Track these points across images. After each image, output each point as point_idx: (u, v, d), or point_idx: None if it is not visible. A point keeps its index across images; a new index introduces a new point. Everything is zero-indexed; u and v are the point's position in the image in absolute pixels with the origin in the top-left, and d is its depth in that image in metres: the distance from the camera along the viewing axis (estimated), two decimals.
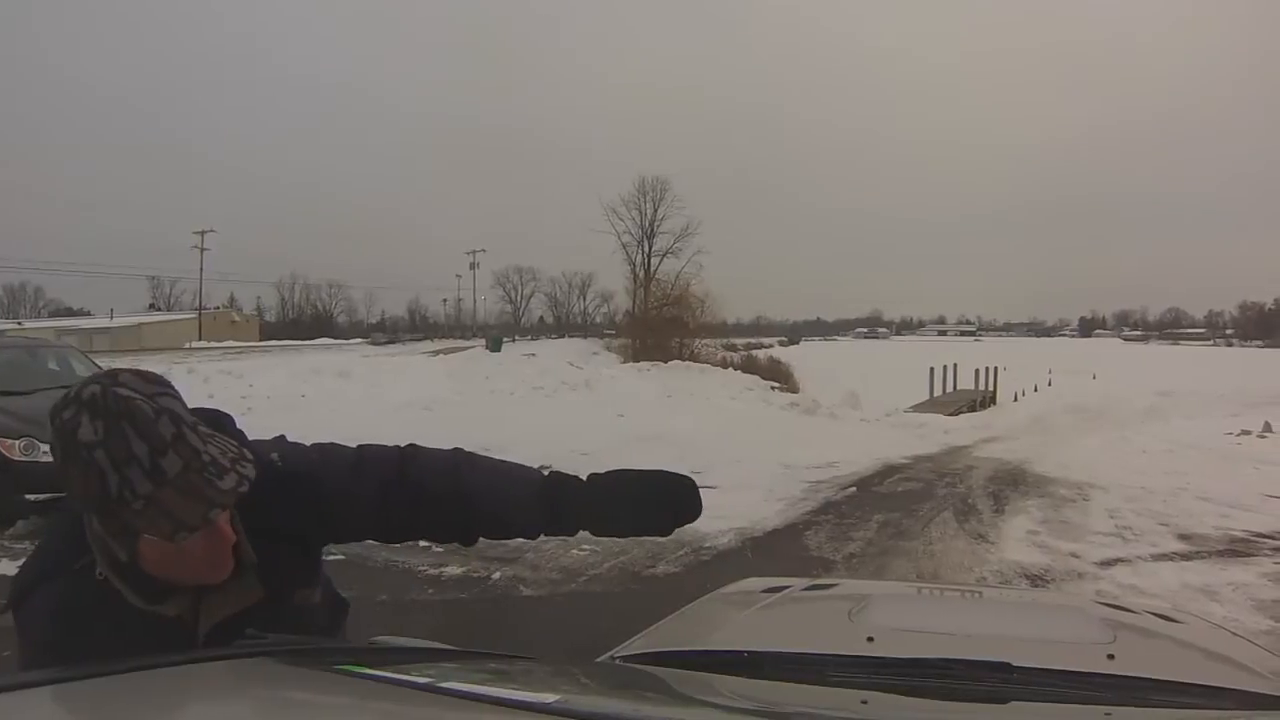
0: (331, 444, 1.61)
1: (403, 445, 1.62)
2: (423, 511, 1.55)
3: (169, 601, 1.33)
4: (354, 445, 1.61)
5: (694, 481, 1.58)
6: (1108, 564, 6.80)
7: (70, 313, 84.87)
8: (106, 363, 11.51)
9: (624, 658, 1.71)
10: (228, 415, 1.47)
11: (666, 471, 1.58)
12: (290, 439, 1.58)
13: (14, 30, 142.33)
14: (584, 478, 1.57)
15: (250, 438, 1.47)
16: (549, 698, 1.04)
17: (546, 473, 1.61)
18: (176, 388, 1.40)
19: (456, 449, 1.64)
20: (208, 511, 1.23)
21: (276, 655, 1.18)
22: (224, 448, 1.30)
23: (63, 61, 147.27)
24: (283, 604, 1.46)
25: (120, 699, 1.01)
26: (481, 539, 1.62)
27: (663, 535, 1.59)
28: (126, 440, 1.19)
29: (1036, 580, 6.44)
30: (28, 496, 7.60)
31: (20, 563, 4.89)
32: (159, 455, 1.20)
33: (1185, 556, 7.03)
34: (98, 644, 1.24)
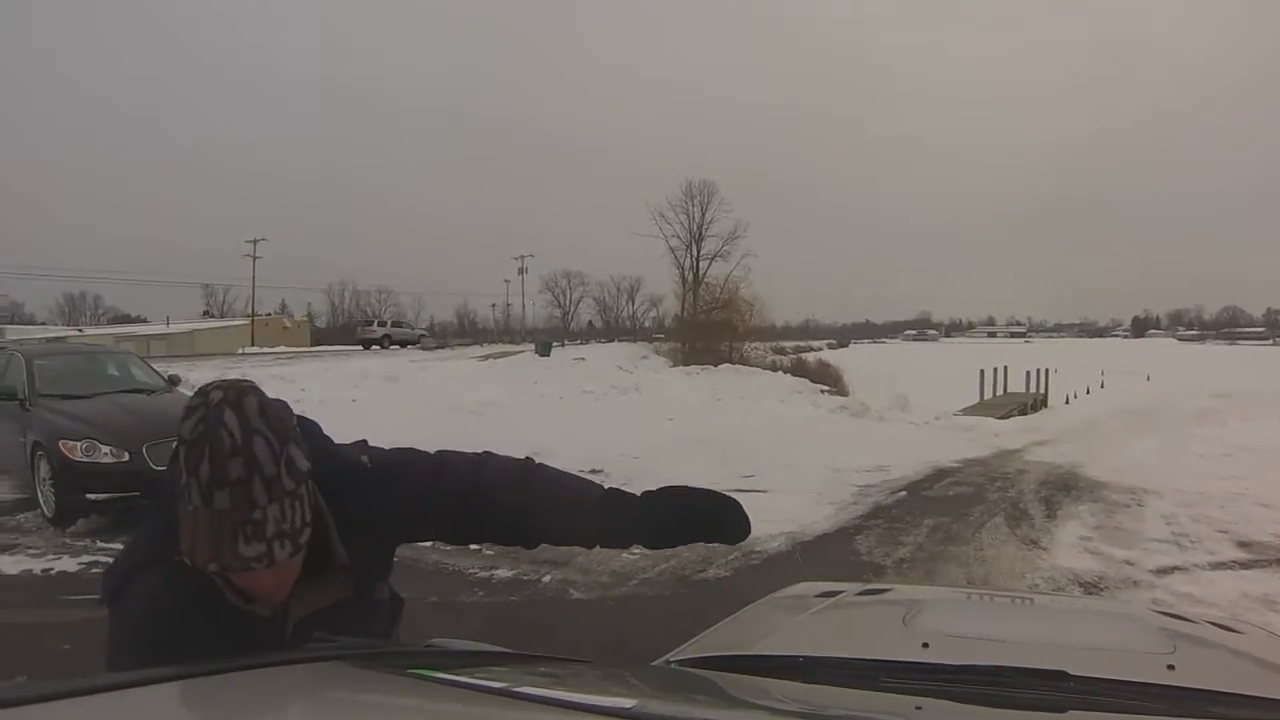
0: (414, 449, 1.69)
1: (479, 452, 1.72)
2: (493, 515, 1.62)
3: (258, 602, 1.39)
4: (433, 451, 1.70)
5: (740, 505, 1.63)
6: (1163, 572, 6.66)
7: (128, 320, 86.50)
8: (163, 367, 11.76)
9: (679, 662, 1.72)
10: (314, 423, 1.54)
11: (716, 492, 1.63)
12: (339, 441, 1.63)
13: (75, 52, 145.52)
14: (639, 494, 1.62)
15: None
16: (626, 702, 1.05)
17: (606, 487, 1.66)
18: (315, 429, 1.51)
19: (527, 458, 1.72)
20: (210, 563, 1.28)
21: (349, 658, 1.21)
22: (291, 515, 1.34)
23: (116, 84, 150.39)
24: (365, 598, 1.54)
25: (193, 703, 1.05)
26: (542, 543, 1.71)
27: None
28: (202, 455, 1.28)
29: (1090, 588, 6.32)
30: (88, 496, 7.81)
31: (81, 560, 5.01)
32: (216, 486, 1.27)
33: (1244, 565, 6.87)
34: (192, 634, 1.30)
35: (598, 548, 1.69)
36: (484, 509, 1.62)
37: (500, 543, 1.77)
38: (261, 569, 1.30)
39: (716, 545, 6.29)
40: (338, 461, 1.52)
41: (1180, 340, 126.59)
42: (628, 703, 1.05)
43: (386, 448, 1.69)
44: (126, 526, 7.52)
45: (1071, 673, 1.41)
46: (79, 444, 7.92)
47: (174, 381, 10.39)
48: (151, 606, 1.39)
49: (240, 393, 1.34)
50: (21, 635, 5.32)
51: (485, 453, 1.73)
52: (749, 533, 1.63)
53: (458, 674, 1.14)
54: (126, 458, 7.90)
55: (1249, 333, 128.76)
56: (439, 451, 1.70)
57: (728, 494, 1.64)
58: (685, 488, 1.63)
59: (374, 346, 46.53)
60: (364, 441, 1.67)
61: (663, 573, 6.53)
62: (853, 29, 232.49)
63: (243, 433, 1.29)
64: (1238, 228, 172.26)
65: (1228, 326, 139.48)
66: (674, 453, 11.58)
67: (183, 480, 1.28)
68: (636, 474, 10.20)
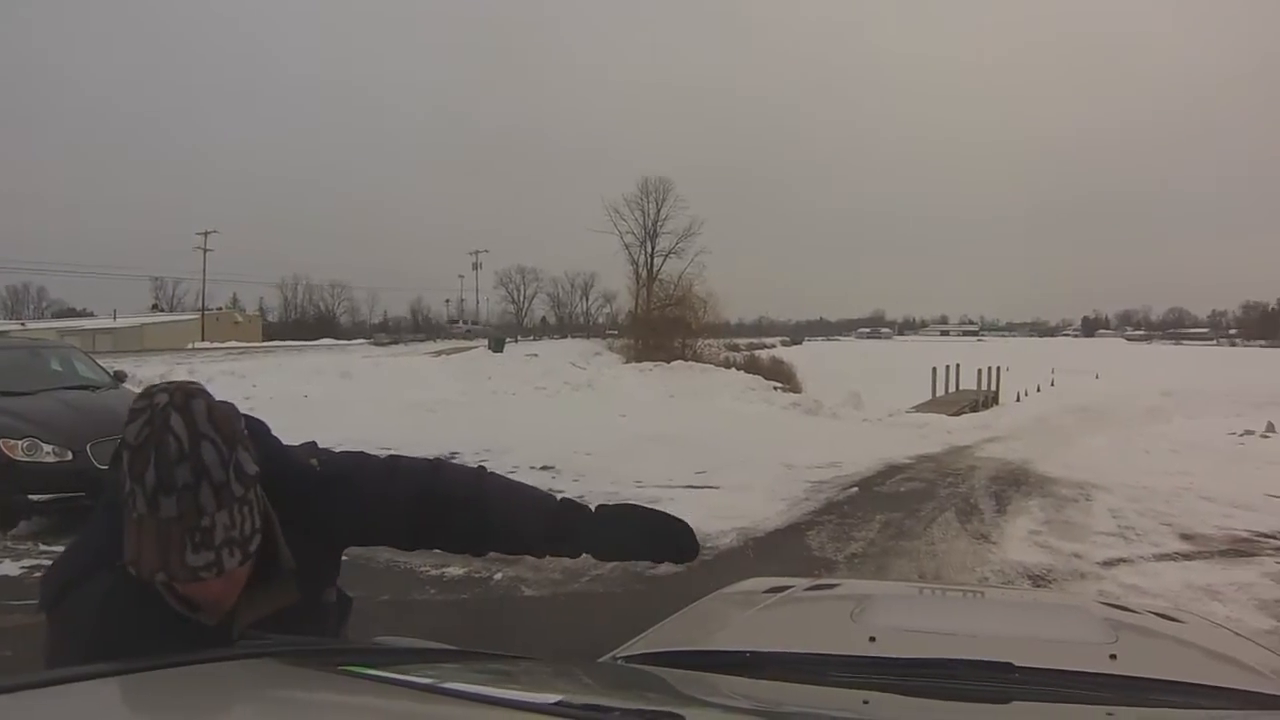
0: (365, 452, 1.69)
1: (431, 458, 1.72)
2: (445, 521, 1.63)
3: (204, 611, 1.35)
4: (385, 455, 1.70)
5: (690, 528, 1.67)
6: (1110, 564, 6.79)
7: (73, 313, 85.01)
8: (109, 363, 11.54)
9: (626, 658, 1.71)
10: (262, 423, 1.51)
11: (667, 514, 1.68)
12: (286, 440, 1.60)
13: (14, 32, 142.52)
14: (593, 508, 1.65)
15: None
16: (551, 697, 1.04)
17: (560, 498, 1.67)
18: (264, 431, 1.49)
19: (480, 467, 1.75)
20: (158, 572, 1.25)
21: (280, 656, 1.19)
22: (240, 522, 1.31)
23: (64, 63, 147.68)
24: (312, 603, 1.51)
25: (122, 700, 1.02)
26: (492, 552, 1.72)
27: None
28: (147, 460, 1.24)
29: (1039, 580, 6.43)
30: (30, 497, 7.61)
31: (23, 564, 4.88)
32: (162, 493, 1.24)
33: (1188, 556, 7.02)
34: (135, 644, 1.25)
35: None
36: (435, 516, 1.61)
37: (449, 550, 1.77)
38: (210, 578, 1.27)
39: None
40: (286, 464, 1.49)
41: (1129, 340, 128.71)
42: (552, 697, 1.04)
43: (336, 450, 1.68)
44: (70, 528, 7.33)
45: (1016, 664, 1.43)
46: (20, 442, 7.71)
47: (120, 378, 10.19)
48: (93, 616, 1.35)
49: (187, 395, 1.30)
50: None
51: (437, 459, 1.72)
52: (696, 555, 1.67)
53: (389, 670, 1.12)
54: (70, 457, 7.71)
55: (1194, 333, 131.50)
56: (391, 456, 1.69)
57: (678, 517, 1.67)
58: (639, 506, 1.68)
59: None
60: (313, 443, 1.65)
61: (615, 569, 6.50)
62: (814, 24, 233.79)
63: (190, 437, 1.26)
64: (1184, 232, 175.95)
65: (1174, 327, 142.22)
66: (627, 450, 11.60)
67: (127, 487, 1.25)
68: (589, 471, 10.23)
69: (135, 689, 1.02)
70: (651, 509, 1.67)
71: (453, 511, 1.61)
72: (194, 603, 1.33)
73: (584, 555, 1.63)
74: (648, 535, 1.63)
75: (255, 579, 1.38)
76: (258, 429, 1.47)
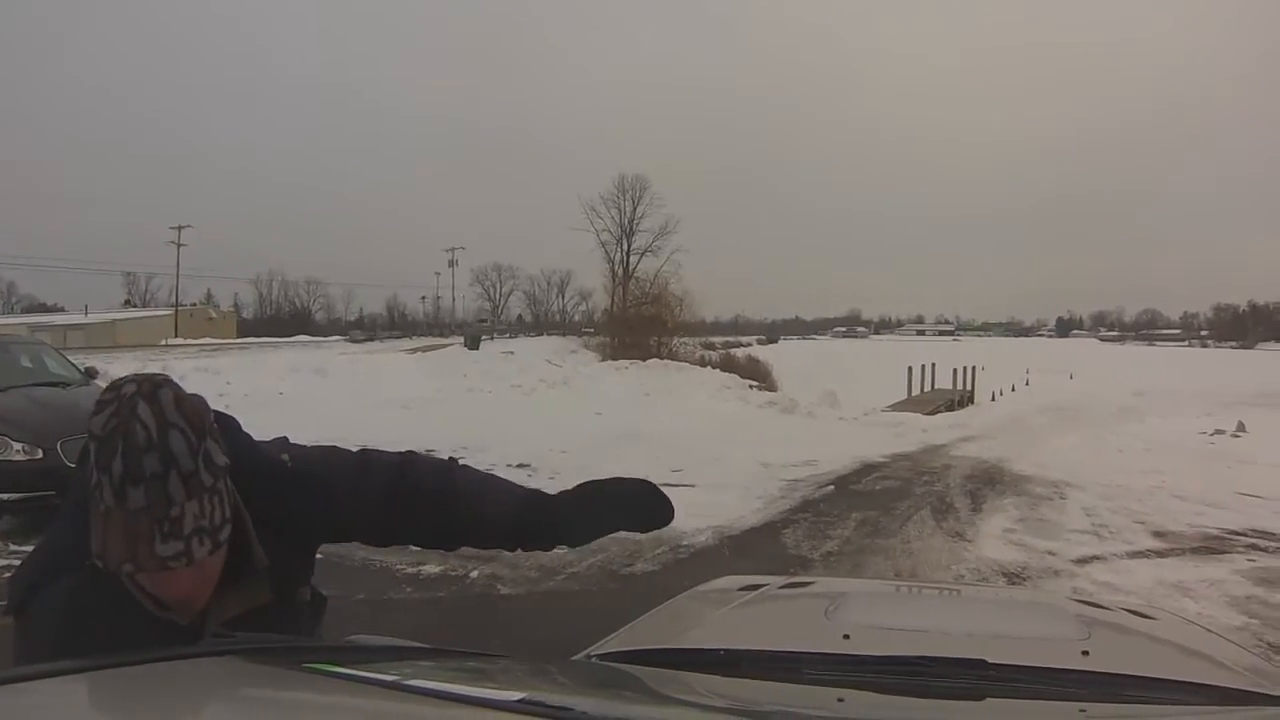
0: (336, 447, 1.67)
1: (402, 452, 1.69)
2: (416, 516, 1.59)
3: (175, 610, 1.33)
4: (356, 449, 1.67)
5: (655, 486, 1.62)
6: (1084, 561, 6.85)
7: (44, 309, 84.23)
8: (81, 360, 11.43)
9: (600, 656, 1.70)
10: (233, 419, 1.48)
11: (629, 479, 1.63)
12: (264, 438, 1.59)
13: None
14: (557, 493, 1.62)
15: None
16: (515, 695, 1.03)
17: (526, 489, 1.65)
18: (234, 427, 1.46)
19: (451, 459, 1.70)
20: (125, 563, 1.23)
21: (244, 654, 1.17)
22: (210, 511, 1.29)
23: (38, 54, 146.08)
24: (286, 602, 1.49)
25: (84, 697, 1.01)
26: (465, 546, 1.69)
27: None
28: (115, 450, 1.22)
29: (1013, 578, 6.48)
30: None
31: (0, 565, 4.81)
32: (130, 483, 1.21)
33: (1160, 554, 7.11)
34: (104, 643, 1.20)
35: (519, 551, 1.67)
36: (407, 510, 1.58)
37: (422, 545, 1.75)
38: (180, 568, 1.25)
39: (641, 538, 6.26)
40: (257, 460, 1.46)
41: (1102, 340, 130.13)
42: (516, 695, 1.03)
43: (308, 445, 1.65)
44: (40, 528, 7.23)
45: (990, 661, 1.43)
46: None
47: (91, 374, 10.08)
48: (61, 618, 1.32)
49: (155, 386, 1.28)
50: None
51: (409, 452, 1.69)
52: (672, 515, 1.62)
53: (355, 668, 1.11)
54: (39, 455, 7.60)
55: (1166, 334, 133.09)
56: (361, 450, 1.67)
57: (640, 478, 1.63)
58: (601, 482, 1.62)
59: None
60: (284, 439, 1.62)
61: (590, 567, 6.51)
62: (782, 24, 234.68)
63: (158, 426, 1.24)
64: (1157, 234, 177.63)
65: (1147, 328, 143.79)
66: (603, 448, 11.60)
67: (94, 479, 1.23)
68: (564, 469, 10.20)
69: (97, 686, 1.01)
70: (615, 479, 1.63)
71: (424, 505, 1.58)
72: (164, 601, 1.30)
73: (559, 548, 1.61)
74: (618, 509, 1.60)
75: (227, 577, 1.36)
76: (228, 425, 1.44)
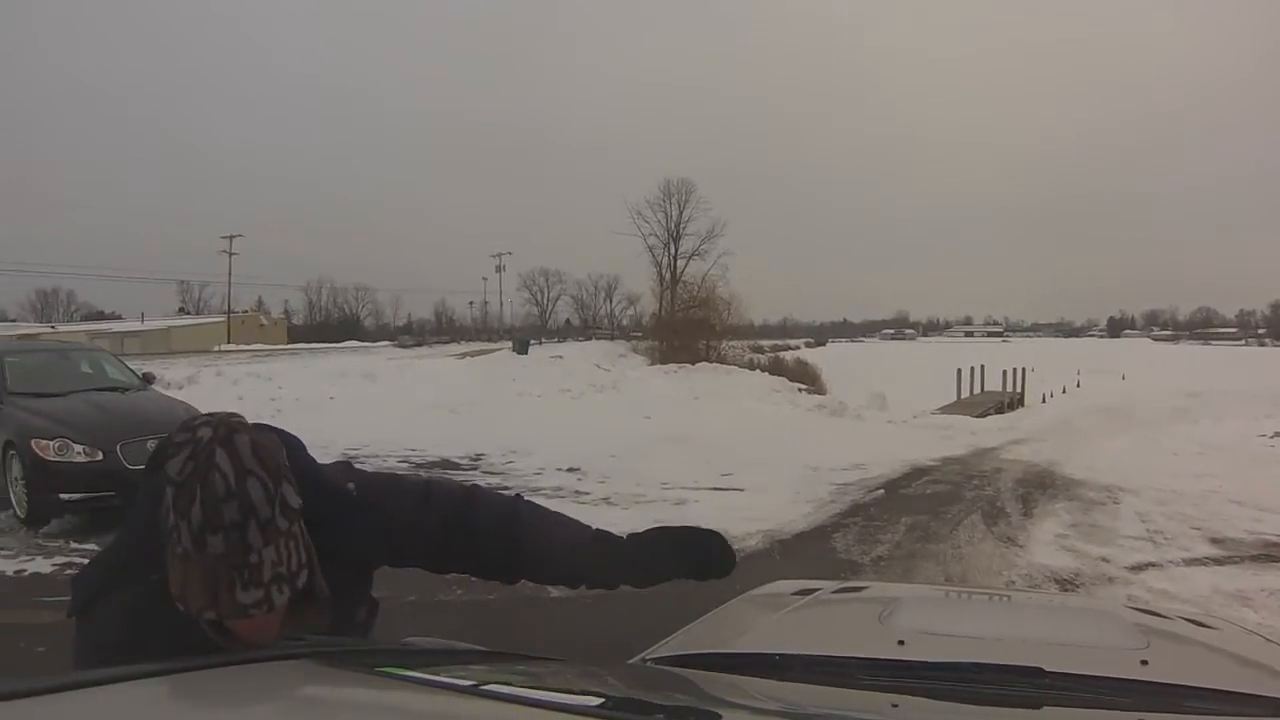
0: (401, 475, 1.70)
1: (468, 485, 1.70)
2: (477, 550, 1.62)
3: (239, 641, 1.34)
4: (422, 479, 1.69)
5: (723, 537, 1.65)
6: (1138, 568, 6.72)
7: (101, 316, 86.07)
8: (138, 365, 11.67)
9: (654, 660, 1.71)
10: (299, 442, 1.50)
11: (699, 530, 1.65)
12: (315, 442, 1.60)
13: (43, 45, 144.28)
14: (626, 536, 1.63)
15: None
16: (594, 700, 1.04)
17: (594, 530, 1.66)
18: (300, 451, 1.47)
19: (517, 495, 1.72)
20: (207, 610, 1.25)
21: (317, 657, 1.20)
22: (287, 557, 1.31)
23: (93, 75, 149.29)
24: (342, 625, 1.51)
25: (161, 700, 1.03)
26: (524, 580, 1.71)
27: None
28: (193, 497, 1.24)
29: (1066, 585, 6.37)
30: (61, 496, 7.72)
31: (54, 561, 4.94)
32: (209, 531, 1.23)
33: (1218, 561, 6.94)
34: (162, 654, 1.22)
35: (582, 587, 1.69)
36: (467, 545, 1.60)
37: (481, 576, 1.75)
38: (260, 615, 1.27)
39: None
40: (321, 487, 1.48)
41: (1155, 340, 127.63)
42: (595, 700, 1.04)
43: (372, 471, 1.68)
44: (100, 527, 7.46)
45: (1047, 669, 1.42)
46: (52, 443, 7.82)
47: (148, 379, 10.33)
48: (120, 630, 1.36)
49: (230, 430, 1.30)
50: None
51: (473, 486, 1.72)
52: (734, 567, 1.64)
53: (428, 672, 1.13)
54: (100, 457, 7.82)
55: (1222, 333, 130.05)
56: (426, 481, 1.69)
57: (709, 530, 1.64)
58: (669, 527, 1.65)
59: None
60: (348, 464, 1.64)
61: None
62: (835, 26, 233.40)
63: (236, 475, 1.26)
64: (1212, 230, 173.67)
65: (1201, 327, 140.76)
66: (652, 451, 11.59)
67: (171, 521, 1.25)
68: (614, 472, 10.24)
69: (174, 689, 1.04)
70: (683, 527, 1.65)
71: (485, 542, 1.60)
72: (231, 635, 1.31)
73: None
74: (683, 556, 1.61)
75: (289, 605, 1.37)
76: (294, 447, 1.46)
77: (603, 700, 1.04)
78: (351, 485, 1.55)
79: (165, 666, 1.05)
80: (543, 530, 1.64)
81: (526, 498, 1.71)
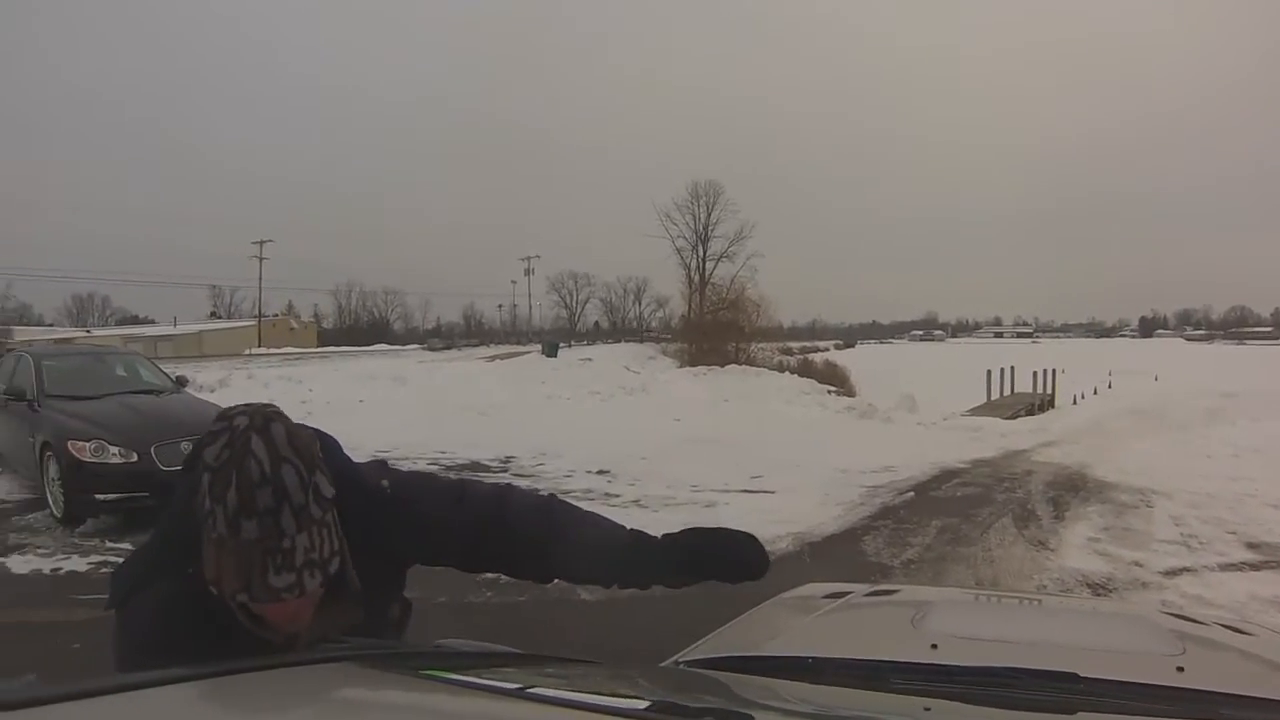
0: (435, 475, 1.71)
1: (501, 485, 1.71)
2: (512, 549, 1.62)
3: (271, 629, 1.37)
4: (455, 479, 1.70)
5: (756, 539, 1.63)
6: (1172, 573, 6.63)
7: (135, 321, 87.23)
8: (171, 369, 11.82)
9: (687, 662, 1.72)
10: (334, 441, 1.52)
11: (733, 531, 1.63)
12: (345, 444, 1.61)
13: (79, 55, 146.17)
14: (660, 537, 1.62)
15: None
16: (640, 703, 1.05)
17: (629, 530, 1.65)
18: (335, 449, 1.50)
19: (550, 495, 1.72)
20: (240, 593, 1.28)
21: (359, 660, 1.22)
22: (319, 543, 1.33)
23: (124, 83, 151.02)
24: (376, 622, 1.53)
25: (206, 703, 1.05)
26: (558, 579, 1.72)
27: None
28: (229, 483, 1.27)
29: (1098, 589, 6.30)
30: (97, 496, 7.85)
31: (90, 560, 5.02)
32: (244, 515, 1.26)
33: (1254, 566, 6.84)
34: (202, 650, 1.25)
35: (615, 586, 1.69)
36: (500, 545, 1.61)
37: (515, 575, 1.76)
38: (292, 599, 1.30)
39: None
40: (356, 484, 1.50)
41: (1188, 340, 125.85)
42: (641, 703, 1.05)
43: (407, 471, 1.70)
44: (135, 527, 7.58)
45: (1081, 674, 1.41)
46: (88, 444, 7.96)
47: (182, 382, 10.48)
48: (158, 623, 1.38)
49: (267, 419, 1.33)
50: (31, 634, 5.35)
51: (507, 486, 1.72)
52: (767, 568, 1.62)
53: (470, 675, 1.14)
54: (135, 458, 7.95)
55: (1257, 332, 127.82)
56: (460, 480, 1.70)
57: (745, 531, 1.63)
58: (704, 529, 1.64)
59: None
60: (383, 463, 1.66)
61: None
62: (859, 28, 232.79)
63: (271, 461, 1.29)
64: (1246, 226, 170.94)
65: (1236, 326, 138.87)
66: (681, 453, 11.60)
67: (206, 506, 1.28)
68: (644, 475, 10.24)
69: (217, 692, 1.05)
70: (717, 529, 1.63)
71: (519, 541, 1.61)
72: (264, 621, 1.35)
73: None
74: (718, 558, 1.60)
75: (322, 599, 1.40)
76: (330, 447, 1.49)
77: (648, 704, 1.05)
78: (386, 482, 1.57)
79: (208, 670, 1.06)
80: (577, 530, 1.64)
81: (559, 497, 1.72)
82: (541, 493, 1.76)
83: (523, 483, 10.01)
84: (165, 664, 1.17)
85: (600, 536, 1.64)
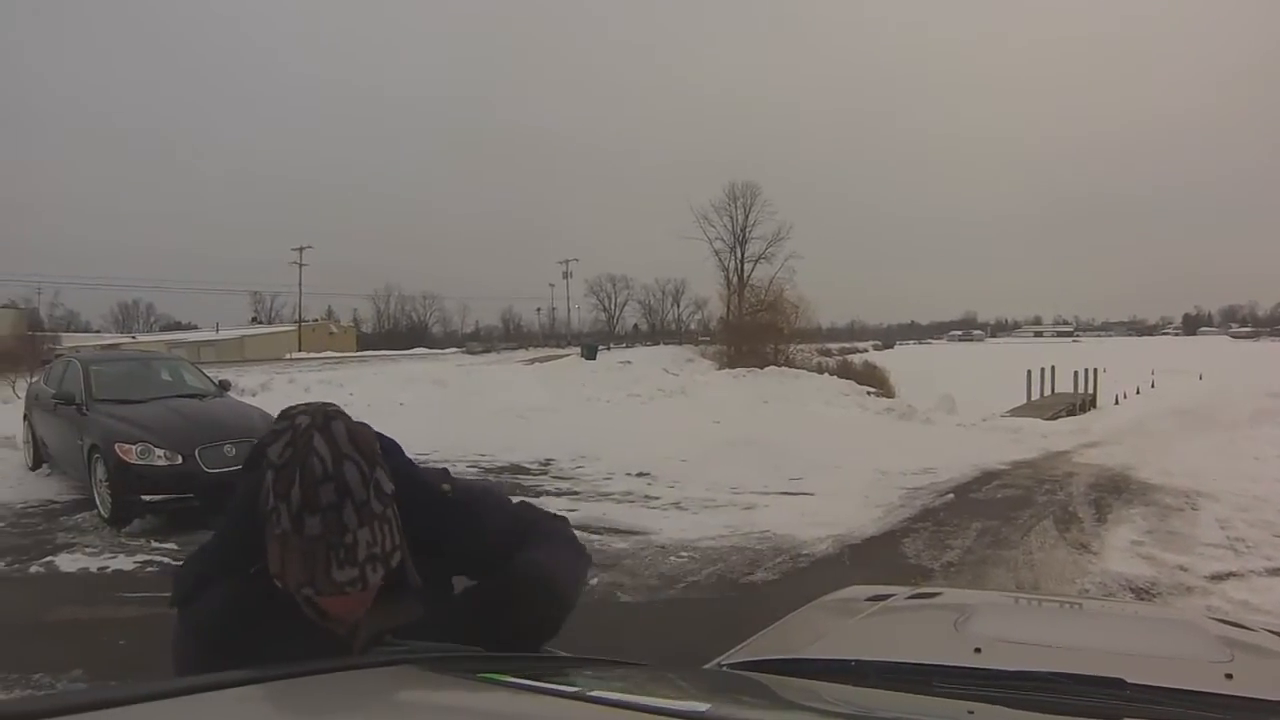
0: (492, 487, 1.73)
1: (559, 516, 1.73)
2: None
3: (333, 621, 1.40)
4: (517, 500, 1.73)
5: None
6: (1218, 578, 6.51)
7: (179, 327, 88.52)
8: (214, 373, 12.01)
9: (730, 665, 1.73)
10: (395, 443, 1.55)
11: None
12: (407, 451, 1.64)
13: (119, 70, 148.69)
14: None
15: None
16: (701, 706, 1.06)
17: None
18: (396, 450, 1.52)
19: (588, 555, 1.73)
20: (305, 587, 1.31)
21: (420, 663, 1.24)
22: (381, 538, 1.36)
23: (165, 94, 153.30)
24: (433, 621, 1.53)
25: (269, 707, 1.08)
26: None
27: None
28: (292, 480, 1.30)
29: (1142, 593, 6.22)
30: (143, 498, 8.04)
31: (136, 559, 5.10)
32: (307, 511, 1.30)
33: None
34: (262, 647, 1.32)
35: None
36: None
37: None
38: (355, 592, 1.33)
39: (764, 549, 6.22)
40: (416, 485, 1.53)
41: (1234, 338, 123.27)
42: (701, 706, 1.06)
43: (470, 479, 1.73)
44: (180, 527, 7.74)
45: (1128, 680, 1.40)
46: (134, 447, 8.15)
47: (224, 387, 10.68)
48: (222, 618, 1.42)
49: (327, 417, 1.36)
50: (79, 631, 5.46)
51: (563, 519, 1.73)
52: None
53: (528, 678, 1.16)
54: (180, 461, 8.13)
55: None
56: (522, 502, 1.73)
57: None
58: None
59: None
60: (446, 471, 1.68)
61: (710, 575, 6.54)
62: (892, 26, 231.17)
63: (333, 458, 1.32)
64: None
65: None
66: (721, 455, 11.58)
67: (270, 503, 1.31)
68: (683, 477, 10.27)
69: (279, 695, 1.08)
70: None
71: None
72: (327, 613, 1.38)
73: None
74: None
75: (381, 594, 1.42)
76: (391, 449, 1.52)
77: (707, 706, 1.06)
78: (447, 486, 1.60)
79: (270, 673, 1.09)
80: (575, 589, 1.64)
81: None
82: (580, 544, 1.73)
83: (562, 485, 10.07)
84: (229, 662, 1.21)
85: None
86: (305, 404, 1.42)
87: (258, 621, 1.39)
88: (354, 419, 1.42)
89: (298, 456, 1.31)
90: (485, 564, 1.61)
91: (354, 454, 1.35)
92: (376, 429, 1.50)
